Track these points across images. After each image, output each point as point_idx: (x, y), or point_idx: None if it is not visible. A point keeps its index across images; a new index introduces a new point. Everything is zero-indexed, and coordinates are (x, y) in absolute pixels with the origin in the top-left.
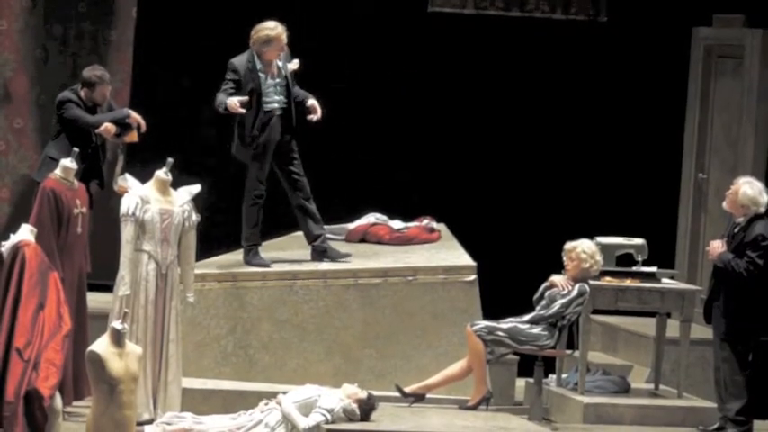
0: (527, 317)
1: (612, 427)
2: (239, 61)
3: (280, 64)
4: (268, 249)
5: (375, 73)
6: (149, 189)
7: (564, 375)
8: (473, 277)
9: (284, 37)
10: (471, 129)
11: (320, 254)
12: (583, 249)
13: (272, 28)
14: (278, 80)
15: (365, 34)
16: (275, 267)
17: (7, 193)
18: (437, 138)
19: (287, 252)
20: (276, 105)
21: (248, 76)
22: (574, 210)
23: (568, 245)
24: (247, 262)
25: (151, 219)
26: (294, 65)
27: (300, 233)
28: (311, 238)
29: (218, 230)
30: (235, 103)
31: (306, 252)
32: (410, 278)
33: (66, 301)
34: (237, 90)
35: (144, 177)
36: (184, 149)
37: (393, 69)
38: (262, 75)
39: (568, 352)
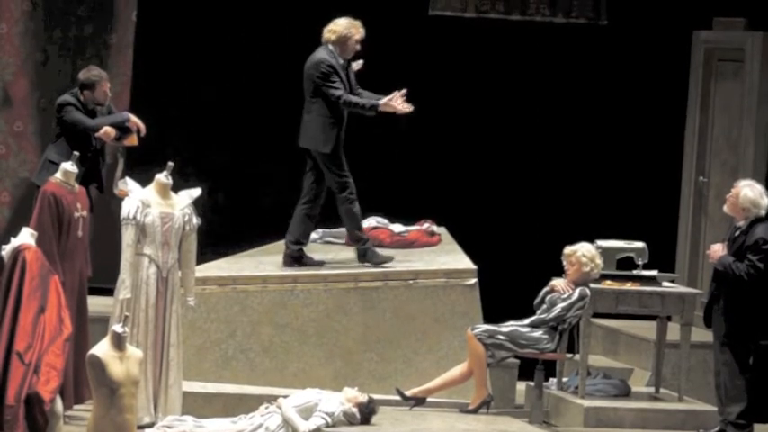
0: (528, 320)
1: (613, 431)
2: (330, 56)
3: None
4: (268, 253)
5: (375, 76)
6: (150, 192)
7: (564, 379)
8: (474, 281)
9: (361, 32)
10: (472, 132)
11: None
12: (582, 253)
13: (348, 23)
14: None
15: (366, 37)
16: (275, 271)
17: (7, 197)
18: (438, 141)
19: None
20: None
21: (337, 71)
22: (574, 213)
23: (568, 249)
24: (368, 260)
25: (152, 222)
26: (358, 64)
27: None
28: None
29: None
30: (395, 105)
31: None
32: (411, 282)
33: (66, 305)
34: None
35: (144, 181)
36: (185, 153)
37: (394, 73)
38: (343, 73)
39: (569, 355)
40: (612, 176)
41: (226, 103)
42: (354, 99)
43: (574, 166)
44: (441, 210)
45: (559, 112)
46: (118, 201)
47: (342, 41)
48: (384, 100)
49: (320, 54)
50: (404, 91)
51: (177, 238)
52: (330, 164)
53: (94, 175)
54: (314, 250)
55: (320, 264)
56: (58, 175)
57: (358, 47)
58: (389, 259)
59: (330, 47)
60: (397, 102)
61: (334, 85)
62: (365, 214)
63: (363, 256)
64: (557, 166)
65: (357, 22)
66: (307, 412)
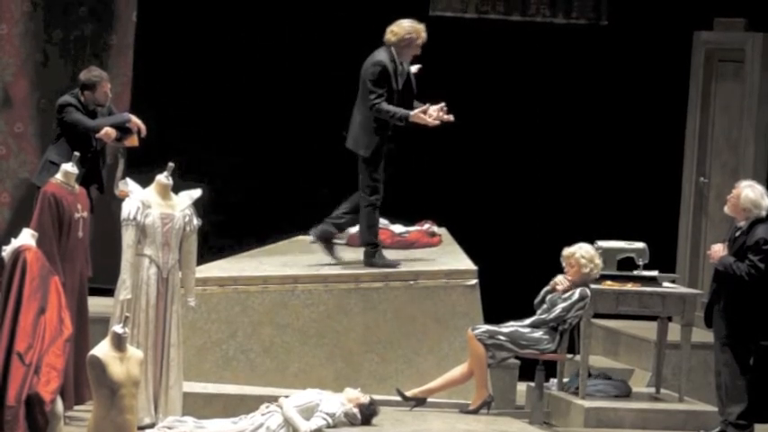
0: (528, 321)
1: (614, 431)
2: (386, 59)
3: (405, 66)
4: (269, 254)
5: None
6: (150, 193)
7: (565, 379)
8: (474, 281)
9: (424, 35)
10: (472, 133)
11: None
12: (581, 254)
13: (412, 25)
14: (401, 84)
15: (366, 38)
16: (276, 272)
17: (8, 198)
18: (438, 142)
19: (288, 256)
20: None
21: (392, 76)
22: (575, 214)
23: (566, 251)
24: (373, 264)
25: (152, 223)
26: (416, 68)
27: (299, 238)
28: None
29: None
30: (425, 118)
31: (307, 256)
32: (411, 282)
33: (67, 306)
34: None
35: (144, 182)
36: (185, 153)
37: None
38: (400, 77)
39: (569, 356)
40: (613, 177)
41: (226, 103)
42: (386, 107)
43: (574, 167)
44: (441, 210)
45: (560, 112)
46: (118, 201)
47: (403, 44)
48: (415, 111)
49: (378, 55)
50: (441, 105)
51: (177, 239)
52: (366, 166)
53: (95, 176)
54: (314, 251)
55: (395, 264)
56: (59, 175)
57: (419, 51)
58: (395, 264)
59: (391, 49)
60: (429, 114)
61: (376, 89)
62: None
63: (371, 259)
64: (557, 167)
65: (420, 26)
66: (308, 412)
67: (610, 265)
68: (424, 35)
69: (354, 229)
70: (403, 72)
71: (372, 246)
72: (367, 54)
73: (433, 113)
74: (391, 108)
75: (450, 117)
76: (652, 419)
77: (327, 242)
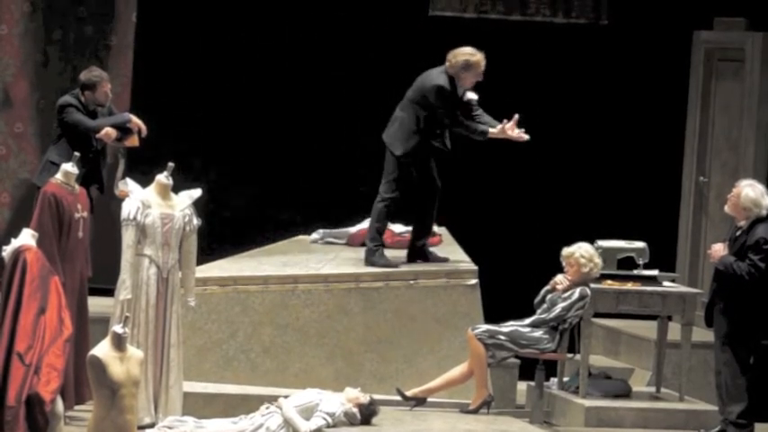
0: (528, 320)
1: (614, 431)
2: (444, 83)
3: (460, 91)
4: (269, 254)
5: (376, 77)
6: (150, 193)
7: (565, 379)
8: (474, 281)
9: (483, 64)
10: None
11: (417, 254)
12: (581, 254)
13: (471, 54)
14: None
15: (366, 38)
16: (276, 272)
17: (8, 198)
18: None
19: (288, 256)
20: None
21: (450, 96)
22: (575, 213)
23: (566, 251)
24: (373, 263)
25: (152, 223)
26: (473, 95)
27: (299, 238)
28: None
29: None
30: (508, 131)
31: (307, 256)
32: (411, 282)
33: (67, 306)
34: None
35: (144, 182)
36: (185, 154)
37: (394, 73)
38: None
39: (569, 355)
40: (613, 176)
41: (226, 103)
42: (464, 123)
43: (574, 167)
44: (441, 210)
45: (560, 112)
46: (118, 201)
47: (463, 70)
48: (498, 128)
49: (437, 79)
50: (516, 117)
51: (177, 239)
52: (395, 165)
53: (95, 176)
54: (315, 250)
55: (444, 260)
56: (59, 175)
57: (479, 78)
58: (396, 264)
59: (449, 72)
60: (510, 131)
61: (444, 110)
62: (365, 214)
63: (371, 257)
64: (557, 167)
65: (480, 54)
66: (307, 412)
67: (610, 265)
68: (479, 57)
69: (354, 229)
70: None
71: (375, 244)
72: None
73: (511, 126)
74: (470, 125)
75: (525, 136)
76: (652, 419)
77: (423, 256)
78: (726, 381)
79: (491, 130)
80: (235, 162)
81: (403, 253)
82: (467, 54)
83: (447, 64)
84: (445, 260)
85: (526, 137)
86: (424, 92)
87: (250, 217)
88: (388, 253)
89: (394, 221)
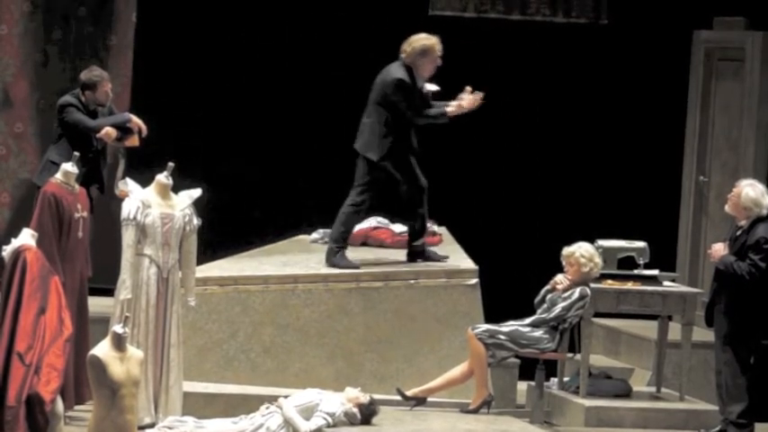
0: (528, 320)
1: (614, 431)
2: (403, 75)
3: (419, 83)
4: (269, 253)
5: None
6: (150, 193)
7: (565, 378)
8: (475, 281)
9: (439, 48)
10: (472, 132)
11: (417, 255)
12: (581, 254)
13: (426, 38)
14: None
15: (366, 38)
16: (276, 271)
17: (8, 198)
18: (438, 141)
19: (288, 256)
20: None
21: (411, 89)
22: (575, 213)
23: (566, 250)
24: (334, 264)
25: (152, 223)
26: (432, 87)
27: (299, 237)
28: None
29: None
30: (462, 105)
31: (307, 256)
32: (412, 282)
33: (67, 306)
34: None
35: (144, 181)
36: (185, 154)
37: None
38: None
39: (570, 355)
40: (613, 176)
41: (226, 103)
42: (424, 113)
43: (574, 166)
44: (441, 210)
45: (560, 111)
46: (118, 201)
47: (420, 57)
48: (450, 105)
49: (396, 72)
50: (467, 89)
51: (177, 239)
52: (365, 171)
53: (95, 176)
54: (314, 250)
55: (443, 258)
56: (59, 175)
57: (438, 62)
58: (357, 266)
59: (406, 63)
60: (461, 98)
61: (405, 103)
62: (367, 214)
63: (332, 258)
64: (557, 166)
65: (435, 38)
66: (308, 412)
67: (610, 264)
68: (434, 41)
69: (354, 229)
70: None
71: (338, 246)
72: (369, 57)
73: (464, 97)
74: (430, 112)
75: (478, 96)
76: (653, 419)
77: (422, 256)
78: (726, 380)
79: (448, 108)
80: (235, 161)
81: (402, 253)
82: (422, 39)
83: (403, 55)
84: (445, 258)
85: (479, 96)
86: (384, 89)
87: (250, 216)
88: (389, 252)
89: (395, 221)
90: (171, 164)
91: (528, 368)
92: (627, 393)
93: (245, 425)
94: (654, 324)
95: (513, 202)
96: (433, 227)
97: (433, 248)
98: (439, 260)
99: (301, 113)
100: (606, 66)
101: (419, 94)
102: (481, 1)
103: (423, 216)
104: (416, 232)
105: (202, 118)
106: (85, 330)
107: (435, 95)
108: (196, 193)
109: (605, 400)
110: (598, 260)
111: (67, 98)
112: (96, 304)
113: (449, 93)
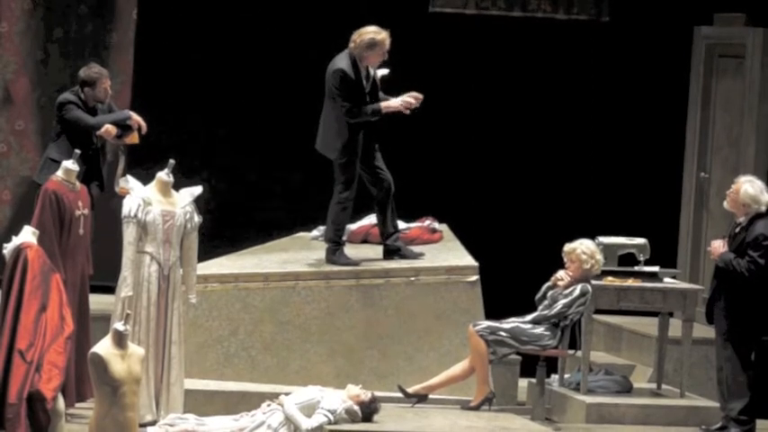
0: (529, 317)
1: (615, 427)
2: (346, 66)
3: (371, 70)
4: (270, 251)
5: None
6: (151, 191)
7: (566, 375)
8: (475, 278)
9: (388, 42)
10: (473, 129)
11: (392, 252)
12: (582, 250)
13: (376, 32)
14: (368, 87)
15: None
16: (277, 269)
17: (8, 195)
18: (439, 138)
19: (289, 253)
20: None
21: (353, 82)
22: (576, 209)
23: (567, 247)
24: (334, 262)
25: (153, 220)
26: (383, 71)
27: (300, 234)
28: (384, 236)
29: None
30: (396, 104)
31: (308, 253)
32: (412, 279)
33: (68, 303)
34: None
35: (145, 179)
36: (186, 151)
37: (394, 70)
38: (364, 81)
39: (571, 352)
40: (614, 173)
41: (226, 101)
42: (357, 111)
43: (575, 163)
44: (442, 207)
45: (561, 108)
46: (119, 199)
47: (368, 50)
48: (385, 103)
49: (339, 63)
50: (409, 93)
51: (178, 236)
52: (338, 169)
53: (96, 174)
54: (315, 247)
55: (420, 255)
56: (60, 173)
57: (385, 56)
58: (357, 263)
59: (353, 54)
60: (400, 102)
61: (343, 96)
62: (367, 212)
63: (332, 256)
64: (558, 163)
65: (385, 33)
66: (309, 410)
67: (611, 261)
68: (383, 35)
69: (354, 226)
70: (366, 78)
71: (334, 244)
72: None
73: (398, 100)
74: (363, 109)
75: (415, 97)
76: (653, 415)
77: (398, 253)
78: (727, 377)
79: (382, 104)
80: (235, 159)
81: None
82: (372, 33)
83: (351, 45)
84: (420, 255)
85: (417, 98)
86: (329, 80)
87: (251, 214)
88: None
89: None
90: (172, 161)
91: (529, 365)
92: (628, 390)
93: (246, 422)
94: (655, 321)
95: (513, 198)
96: (433, 224)
97: (434, 246)
98: (415, 258)
99: (302, 110)
100: (607, 63)
101: (369, 83)
102: None
103: (392, 212)
104: (386, 230)
105: (203, 115)
106: (86, 328)
107: (386, 81)
108: (197, 190)
109: (606, 396)
110: (599, 257)
111: (67, 95)
112: (97, 302)
113: (449, 91)
